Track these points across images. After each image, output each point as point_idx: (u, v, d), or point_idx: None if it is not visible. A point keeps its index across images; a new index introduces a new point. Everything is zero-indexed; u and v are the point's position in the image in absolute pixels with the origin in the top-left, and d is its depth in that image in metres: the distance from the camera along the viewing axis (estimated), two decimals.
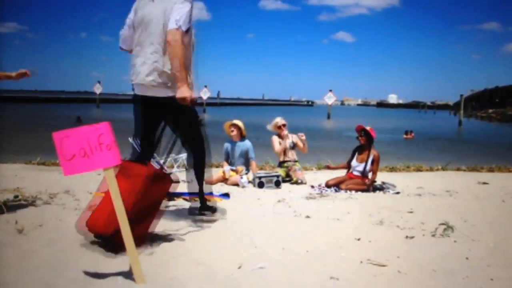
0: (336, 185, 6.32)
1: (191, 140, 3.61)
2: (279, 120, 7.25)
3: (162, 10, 3.35)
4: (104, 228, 2.82)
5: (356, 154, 6.61)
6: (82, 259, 2.72)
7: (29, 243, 3.00)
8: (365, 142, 6.52)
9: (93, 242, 3.06)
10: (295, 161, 7.18)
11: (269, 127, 7.37)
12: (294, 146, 7.23)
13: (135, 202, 2.83)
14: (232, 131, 6.84)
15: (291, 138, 7.23)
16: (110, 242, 2.84)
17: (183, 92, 3.32)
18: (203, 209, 3.93)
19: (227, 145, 6.90)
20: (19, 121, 22.53)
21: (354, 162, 6.58)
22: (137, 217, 2.80)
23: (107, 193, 2.97)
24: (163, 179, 3.10)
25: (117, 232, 2.55)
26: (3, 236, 3.10)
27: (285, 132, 7.16)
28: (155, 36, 3.36)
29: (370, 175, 6.45)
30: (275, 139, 7.26)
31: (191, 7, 3.37)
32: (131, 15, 3.55)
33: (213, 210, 3.99)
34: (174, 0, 3.35)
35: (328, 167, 7.41)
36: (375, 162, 6.45)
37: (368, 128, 6.54)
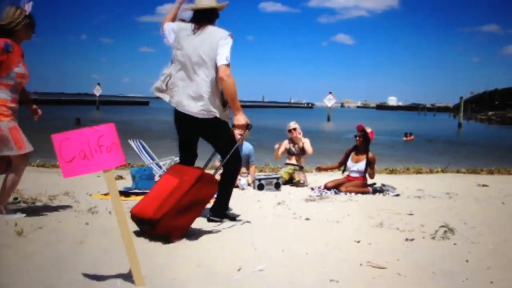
0: (335, 187, 6.32)
1: (226, 156, 3.82)
2: (291, 124, 7.33)
3: (207, 47, 3.62)
4: (154, 213, 3.15)
5: (353, 154, 6.61)
6: (82, 261, 2.72)
7: (29, 245, 2.99)
8: (360, 144, 6.52)
9: (93, 244, 3.06)
10: (301, 167, 7.18)
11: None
12: (303, 152, 7.20)
13: (183, 196, 3.20)
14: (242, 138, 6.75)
15: (301, 143, 7.20)
16: (154, 229, 3.14)
17: (239, 119, 3.70)
18: (216, 216, 3.91)
19: None
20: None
21: (349, 163, 6.57)
22: (183, 209, 3.21)
23: (158, 183, 3.53)
24: (212, 182, 3.43)
25: (163, 218, 3.09)
26: (3, 238, 3.10)
27: (294, 135, 7.17)
28: (203, 73, 3.63)
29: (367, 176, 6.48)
30: (284, 143, 7.26)
31: (232, 41, 3.67)
32: (171, 37, 3.80)
33: (230, 218, 3.99)
34: (218, 36, 3.63)
35: (319, 169, 7.39)
36: (372, 163, 6.45)
37: (368, 130, 6.51)
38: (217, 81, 3.64)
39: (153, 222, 3.12)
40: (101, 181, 5.71)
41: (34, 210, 4.12)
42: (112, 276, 2.51)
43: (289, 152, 7.25)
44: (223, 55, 3.58)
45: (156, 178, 6.64)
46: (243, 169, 6.81)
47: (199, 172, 3.37)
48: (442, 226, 3.61)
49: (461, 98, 45.96)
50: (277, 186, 6.33)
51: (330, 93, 42.42)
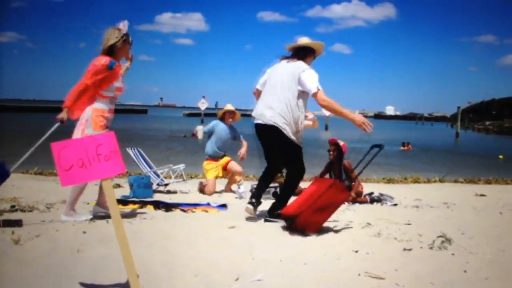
0: None
1: (290, 166, 4.52)
2: None
3: (290, 72, 4.28)
4: (294, 211, 3.95)
5: (331, 169, 6.54)
6: (79, 270, 2.71)
7: (26, 253, 2.98)
8: (334, 158, 6.44)
9: (90, 253, 3.05)
10: None
11: None
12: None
13: (317, 199, 3.89)
14: (232, 117, 7.00)
15: None
16: (293, 223, 3.90)
17: (357, 121, 4.15)
18: (272, 216, 4.41)
19: (217, 123, 7.02)
20: (18, 130, 22.50)
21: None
22: (318, 209, 3.89)
23: (303, 192, 4.26)
24: (343, 190, 4.04)
25: (300, 215, 3.84)
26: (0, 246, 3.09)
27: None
28: (280, 92, 4.27)
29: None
30: None
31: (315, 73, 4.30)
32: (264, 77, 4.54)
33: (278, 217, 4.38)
34: (301, 67, 4.27)
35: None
36: (348, 171, 6.39)
37: (341, 143, 6.48)
38: (292, 105, 4.24)
39: (293, 217, 3.88)
40: (97, 189, 5.70)
41: (31, 218, 4.11)
42: (110, 285, 2.51)
43: None
44: (313, 85, 4.19)
45: (154, 186, 6.63)
46: (237, 178, 6.82)
47: (331, 181, 4.09)
48: (440, 236, 3.60)
49: (458, 107, 46.09)
50: (275, 195, 6.32)
51: None
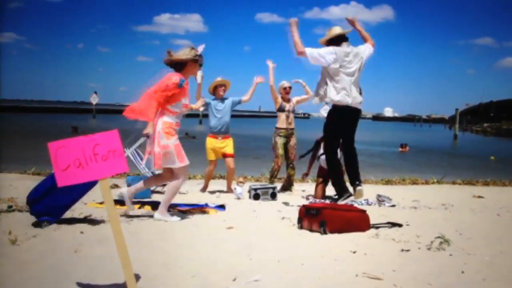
0: (324, 195, 6.46)
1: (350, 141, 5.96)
2: (285, 83, 7.33)
3: (359, 59, 5.79)
4: (322, 207, 4.27)
5: (317, 148, 6.98)
6: (77, 271, 2.70)
7: (24, 254, 2.97)
8: (321, 140, 6.82)
9: (87, 254, 3.04)
10: (292, 130, 7.26)
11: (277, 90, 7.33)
12: (294, 110, 7.30)
13: (346, 211, 4.31)
14: (224, 90, 6.92)
15: (294, 100, 7.31)
16: (318, 215, 4.07)
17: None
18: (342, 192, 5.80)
19: (209, 101, 6.87)
20: (16, 130, 22.47)
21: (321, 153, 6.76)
22: (342, 220, 4.11)
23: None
24: (366, 223, 4.21)
25: (323, 210, 4.09)
26: None
27: (288, 95, 7.28)
28: (358, 75, 5.83)
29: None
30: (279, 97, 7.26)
31: None
32: (330, 58, 5.65)
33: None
34: (361, 48, 5.86)
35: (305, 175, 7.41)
36: None
37: None
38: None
39: (318, 209, 4.10)
40: (96, 189, 5.67)
41: (28, 218, 4.09)
42: (107, 286, 2.50)
43: (280, 109, 7.17)
44: (368, 47, 5.92)
45: (152, 187, 6.62)
46: (240, 178, 6.81)
47: (365, 211, 4.33)
48: (438, 237, 3.60)
49: (456, 110, 46.07)
50: (273, 196, 6.32)
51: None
